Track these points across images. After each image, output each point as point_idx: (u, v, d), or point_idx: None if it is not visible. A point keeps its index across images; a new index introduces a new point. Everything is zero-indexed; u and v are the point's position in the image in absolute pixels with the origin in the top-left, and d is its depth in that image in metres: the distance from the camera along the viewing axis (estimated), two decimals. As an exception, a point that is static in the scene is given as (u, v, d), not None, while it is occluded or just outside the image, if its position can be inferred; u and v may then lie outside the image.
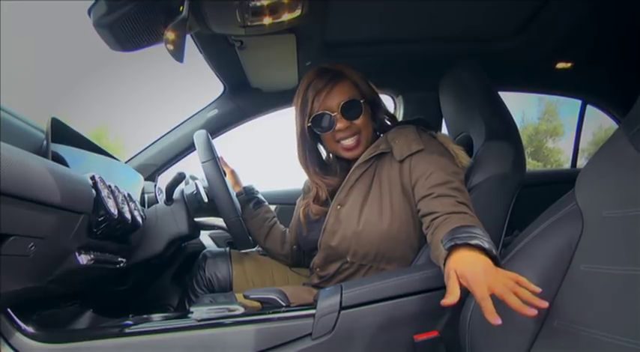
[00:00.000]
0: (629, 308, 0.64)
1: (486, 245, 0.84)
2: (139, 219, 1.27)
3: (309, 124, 1.28)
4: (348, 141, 1.27)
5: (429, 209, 1.08)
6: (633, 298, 0.64)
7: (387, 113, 1.38)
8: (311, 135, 1.32)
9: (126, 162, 1.93)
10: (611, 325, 0.65)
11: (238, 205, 1.47)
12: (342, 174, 1.33)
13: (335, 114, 1.25)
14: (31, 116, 1.20)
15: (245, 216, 1.51)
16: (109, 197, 1.07)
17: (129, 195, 1.27)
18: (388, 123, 1.38)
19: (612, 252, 0.70)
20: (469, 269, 0.78)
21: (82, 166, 1.21)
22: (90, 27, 1.07)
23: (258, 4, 1.20)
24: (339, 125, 1.25)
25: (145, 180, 1.85)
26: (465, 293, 0.80)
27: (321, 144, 1.39)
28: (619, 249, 0.69)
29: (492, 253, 0.83)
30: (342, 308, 0.95)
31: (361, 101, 1.26)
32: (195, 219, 1.52)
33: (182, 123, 2.04)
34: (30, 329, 0.96)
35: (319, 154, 1.41)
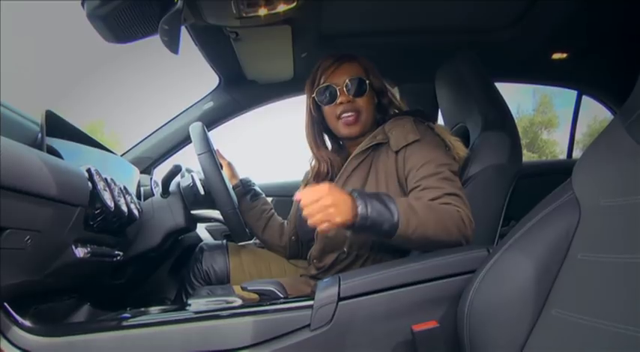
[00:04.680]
0: (627, 296, 0.64)
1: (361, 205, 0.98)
2: (136, 212, 1.27)
3: (314, 96, 1.31)
4: (348, 115, 1.28)
5: None
6: (631, 285, 0.64)
7: (398, 107, 1.38)
8: (316, 110, 1.35)
9: (122, 155, 1.92)
10: (609, 313, 0.65)
11: (235, 197, 1.47)
12: (343, 160, 1.35)
13: (339, 87, 1.27)
14: (30, 115, 1.19)
15: (242, 208, 1.51)
16: (105, 190, 1.07)
17: (125, 187, 1.26)
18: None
19: (610, 240, 0.70)
20: (336, 197, 0.97)
21: (78, 159, 1.20)
22: (88, 26, 1.05)
23: (254, -6, 1.19)
24: (341, 98, 1.27)
25: (141, 173, 1.84)
26: (464, 283, 0.81)
27: (327, 131, 1.41)
28: (616, 237, 0.69)
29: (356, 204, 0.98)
30: (340, 299, 0.95)
31: (367, 81, 1.28)
32: (192, 212, 1.52)
33: (177, 115, 2.04)
34: (27, 323, 0.95)
35: (325, 132, 1.43)
